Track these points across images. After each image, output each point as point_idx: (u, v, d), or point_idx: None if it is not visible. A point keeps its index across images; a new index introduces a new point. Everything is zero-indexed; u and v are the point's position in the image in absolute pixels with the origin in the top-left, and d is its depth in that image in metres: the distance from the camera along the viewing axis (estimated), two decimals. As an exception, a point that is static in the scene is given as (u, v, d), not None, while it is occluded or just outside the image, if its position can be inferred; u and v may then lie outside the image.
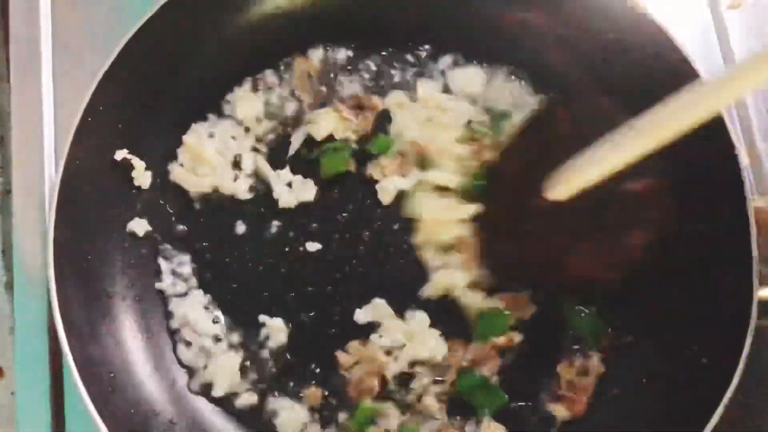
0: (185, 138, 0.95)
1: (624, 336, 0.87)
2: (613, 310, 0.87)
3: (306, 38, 0.99)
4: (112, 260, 0.90)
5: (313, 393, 0.87)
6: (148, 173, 0.93)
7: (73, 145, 0.84)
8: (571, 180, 0.71)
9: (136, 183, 0.92)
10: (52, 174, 0.98)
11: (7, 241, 0.99)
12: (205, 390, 0.88)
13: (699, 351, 0.79)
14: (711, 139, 0.77)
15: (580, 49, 0.92)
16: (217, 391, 0.87)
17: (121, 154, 0.90)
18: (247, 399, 0.88)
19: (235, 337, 0.90)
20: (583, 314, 0.87)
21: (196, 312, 0.90)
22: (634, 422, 0.82)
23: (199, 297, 0.91)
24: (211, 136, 0.96)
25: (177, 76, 0.94)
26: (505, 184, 0.84)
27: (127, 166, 0.92)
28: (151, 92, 0.92)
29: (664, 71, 0.84)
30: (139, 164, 0.92)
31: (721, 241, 0.79)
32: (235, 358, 0.89)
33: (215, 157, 0.94)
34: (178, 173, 0.94)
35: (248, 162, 0.95)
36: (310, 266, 0.91)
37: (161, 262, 0.93)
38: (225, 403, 0.88)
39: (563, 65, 0.93)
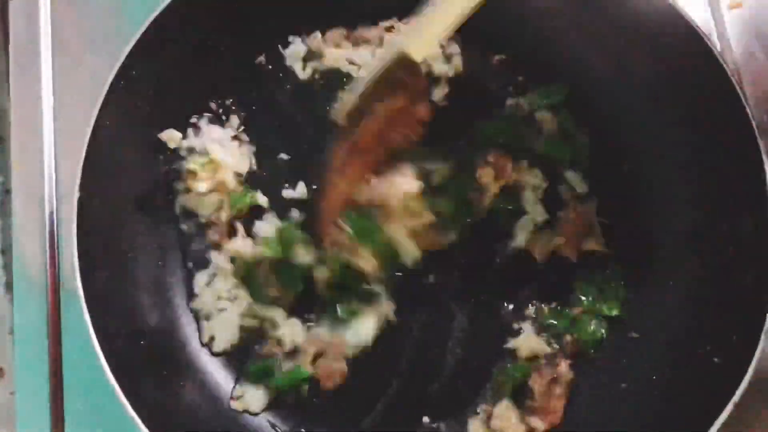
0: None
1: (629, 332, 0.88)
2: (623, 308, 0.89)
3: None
4: (136, 224, 0.89)
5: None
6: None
7: (103, 108, 0.83)
8: (426, 36, 0.78)
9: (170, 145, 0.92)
10: (52, 174, 0.98)
11: (7, 241, 0.99)
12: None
13: (711, 350, 0.79)
14: (739, 149, 0.80)
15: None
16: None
17: (162, 135, 0.90)
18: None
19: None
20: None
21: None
22: (642, 420, 0.82)
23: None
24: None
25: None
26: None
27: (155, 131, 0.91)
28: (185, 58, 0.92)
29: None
30: (175, 136, 0.92)
31: (740, 242, 0.81)
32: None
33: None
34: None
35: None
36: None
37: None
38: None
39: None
